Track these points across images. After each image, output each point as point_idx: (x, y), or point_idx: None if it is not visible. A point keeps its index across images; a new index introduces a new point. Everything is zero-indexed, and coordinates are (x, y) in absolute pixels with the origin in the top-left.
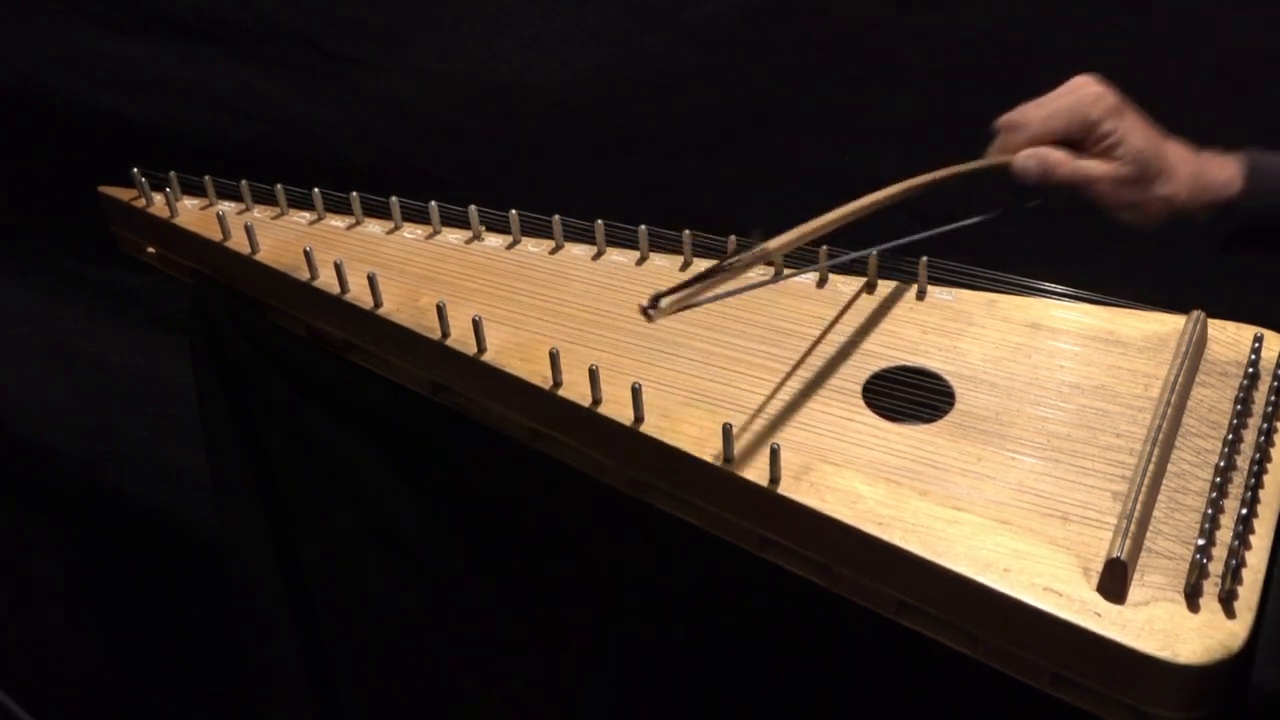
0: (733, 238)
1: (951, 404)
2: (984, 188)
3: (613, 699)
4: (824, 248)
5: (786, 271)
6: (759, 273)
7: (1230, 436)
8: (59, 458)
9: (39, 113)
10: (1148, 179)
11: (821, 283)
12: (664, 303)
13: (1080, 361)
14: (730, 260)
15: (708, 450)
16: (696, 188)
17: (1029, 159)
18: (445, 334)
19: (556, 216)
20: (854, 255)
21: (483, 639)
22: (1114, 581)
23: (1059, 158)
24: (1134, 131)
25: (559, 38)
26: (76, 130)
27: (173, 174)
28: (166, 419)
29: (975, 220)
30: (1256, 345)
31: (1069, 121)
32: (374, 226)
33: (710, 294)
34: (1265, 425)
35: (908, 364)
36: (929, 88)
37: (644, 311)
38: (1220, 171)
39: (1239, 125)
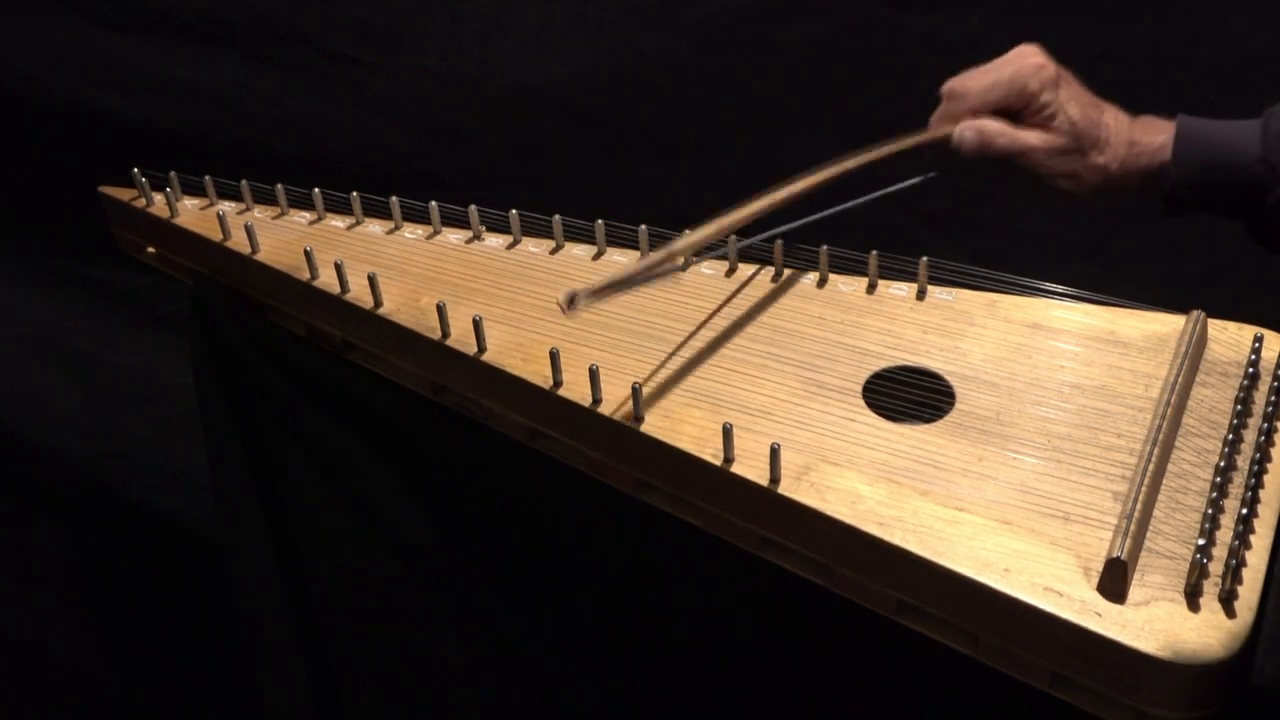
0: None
1: (952, 404)
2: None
3: (612, 698)
4: (824, 248)
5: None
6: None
7: (1230, 436)
8: (59, 458)
9: (39, 113)
10: (1083, 148)
11: (821, 283)
12: (580, 302)
13: (1081, 362)
14: (645, 266)
15: (708, 450)
16: (696, 188)
17: (967, 130)
18: (445, 334)
19: (556, 216)
20: (760, 237)
21: (482, 638)
22: (1114, 581)
23: (996, 129)
24: (1071, 102)
25: (559, 38)
26: (76, 130)
27: (173, 174)
28: (166, 419)
29: (895, 189)
30: (1256, 345)
31: (1008, 93)
32: (374, 226)
33: (623, 292)
34: (1265, 425)
35: (908, 364)
36: (929, 88)
37: (562, 308)
38: (1153, 138)
39: None
